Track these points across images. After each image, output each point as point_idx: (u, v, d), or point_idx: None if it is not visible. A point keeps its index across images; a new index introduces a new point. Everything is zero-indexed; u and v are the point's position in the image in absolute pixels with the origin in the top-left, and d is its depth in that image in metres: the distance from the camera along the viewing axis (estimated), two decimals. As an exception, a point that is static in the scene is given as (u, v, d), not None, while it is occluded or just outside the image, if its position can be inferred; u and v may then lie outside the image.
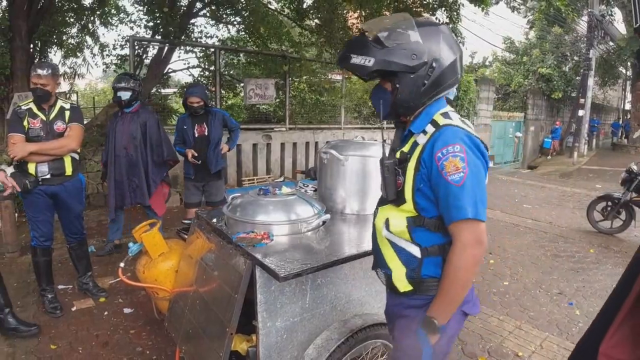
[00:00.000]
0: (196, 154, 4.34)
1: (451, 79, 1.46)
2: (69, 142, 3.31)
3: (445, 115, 1.45)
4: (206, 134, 4.45)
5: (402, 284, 1.50)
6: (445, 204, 1.35)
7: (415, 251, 1.45)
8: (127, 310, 3.50)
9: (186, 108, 4.47)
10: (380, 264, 1.60)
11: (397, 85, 1.43)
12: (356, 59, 1.40)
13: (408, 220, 1.46)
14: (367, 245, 1.97)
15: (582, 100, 16.95)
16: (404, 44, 1.38)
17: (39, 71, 3.17)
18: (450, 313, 1.41)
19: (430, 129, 1.44)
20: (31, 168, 3.20)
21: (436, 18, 8.38)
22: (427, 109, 1.48)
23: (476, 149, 1.38)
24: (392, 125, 1.64)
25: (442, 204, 1.37)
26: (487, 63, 26.00)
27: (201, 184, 4.60)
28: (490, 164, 14.14)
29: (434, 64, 1.40)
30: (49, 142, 3.25)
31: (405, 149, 1.49)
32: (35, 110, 3.24)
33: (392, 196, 1.47)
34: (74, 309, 3.50)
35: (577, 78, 18.89)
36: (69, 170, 3.37)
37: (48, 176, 3.24)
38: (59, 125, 3.30)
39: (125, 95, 4.22)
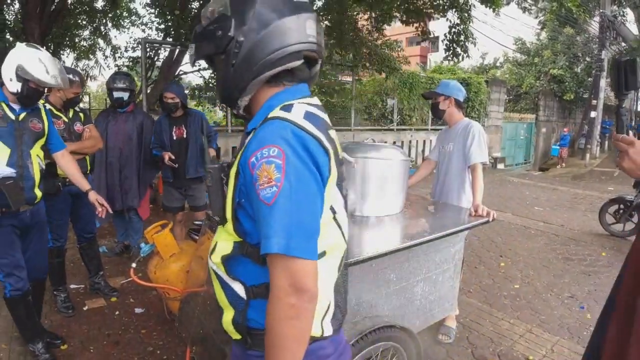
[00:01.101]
0: (173, 157, 4.03)
1: (275, 51, 1.05)
2: (97, 141, 3.55)
3: (287, 108, 1.07)
4: (185, 136, 4.14)
5: (231, 330, 1.16)
6: (259, 228, 1.00)
7: (239, 289, 1.11)
8: (138, 310, 3.53)
9: (162, 107, 4.15)
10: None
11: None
12: (190, 49, 1.13)
13: (234, 247, 1.10)
14: (378, 248, 1.98)
15: (594, 102, 16.75)
16: (214, 19, 1.08)
17: (77, 78, 3.31)
18: None
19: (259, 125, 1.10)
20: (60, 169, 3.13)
21: (447, 19, 8.35)
22: (269, 100, 1.11)
23: (305, 151, 1.00)
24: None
25: (258, 228, 1.02)
26: (498, 64, 25.83)
27: (182, 188, 4.28)
28: (501, 166, 14.03)
29: (240, 37, 1.04)
30: (83, 142, 3.41)
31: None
32: (55, 111, 3.29)
33: (216, 212, 1.13)
34: (85, 308, 3.53)
35: (589, 79, 18.68)
36: (89, 169, 3.53)
37: None
38: (78, 126, 3.44)
39: (125, 95, 4.08)
